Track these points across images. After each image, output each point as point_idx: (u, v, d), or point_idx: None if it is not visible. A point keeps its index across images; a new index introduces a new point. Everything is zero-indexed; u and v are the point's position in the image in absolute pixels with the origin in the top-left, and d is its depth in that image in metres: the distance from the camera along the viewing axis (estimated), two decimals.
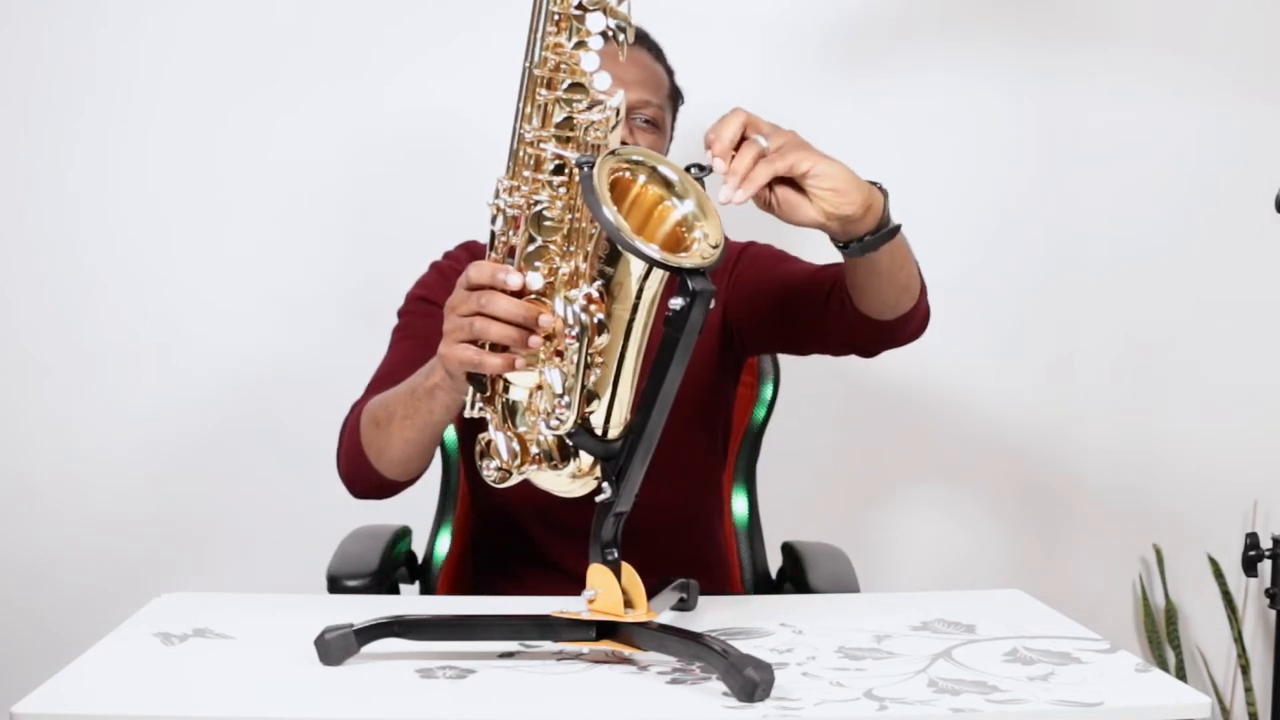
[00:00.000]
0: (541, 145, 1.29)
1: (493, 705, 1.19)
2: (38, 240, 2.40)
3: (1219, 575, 2.51)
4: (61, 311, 2.40)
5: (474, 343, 1.30)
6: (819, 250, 2.48)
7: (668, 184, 1.28)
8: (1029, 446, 2.54)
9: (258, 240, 2.42)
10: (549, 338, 1.28)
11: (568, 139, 1.29)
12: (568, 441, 1.30)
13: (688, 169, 1.29)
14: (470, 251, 1.84)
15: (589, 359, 1.27)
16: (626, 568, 1.30)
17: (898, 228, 1.43)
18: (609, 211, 1.20)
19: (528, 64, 1.30)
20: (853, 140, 2.46)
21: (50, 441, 2.41)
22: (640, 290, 1.26)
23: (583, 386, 1.27)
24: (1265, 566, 1.94)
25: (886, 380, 2.50)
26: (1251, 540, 1.94)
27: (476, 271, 1.30)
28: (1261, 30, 2.51)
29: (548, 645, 1.34)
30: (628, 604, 1.29)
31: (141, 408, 2.41)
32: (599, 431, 1.29)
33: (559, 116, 1.29)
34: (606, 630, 1.29)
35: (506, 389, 1.32)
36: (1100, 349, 2.54)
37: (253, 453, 2.42)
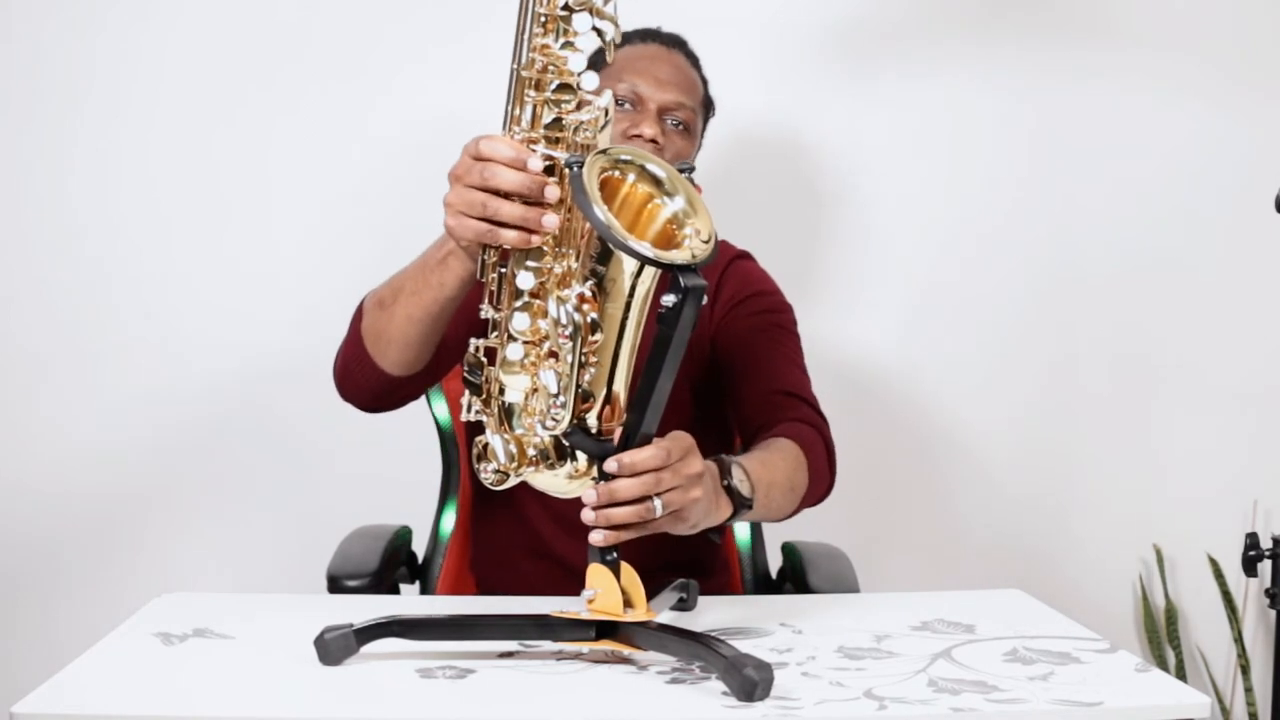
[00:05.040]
0: (531, 147, 1.30)
1: (493, 705, 1.19)
2: (38, 240, 2.40)
3: (1219, 575, 2.51)
4: (61, 311, 2.40)
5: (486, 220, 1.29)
6: (817, 262, 2.49)
7: (657, 182, 1.29)
8: (1029, 446, 2.53)
9: (258, 240, 2.42)
10: (543, 340, 1.29)
11: (557, 140, 1.30)
12: (564, 442, 1.30)
13: (678, 168, 1.30)
14: None
15: (583, 358, 1.27)
16: (626, 568, 1.30)
17: (736, 514, 1.40)
18: (600, 210, 1.21)
19: (515, 66, 1.30)
20: (851, 140, 2.48)
21: (50, 441, 2.41)
22: (633, 288, 1.26)
23: (577, 386, 1.27)
24: (1265, 566, 1.94)
25: (887, 380, 2.50)
26: (1251, 540, 1.94)
27: (489, 147, 1.28)
28: (1261, 30, 2.51)
29: (547, 645, 1.34)
30: (627, 604, 1.29)
31: (141, 407, 2.41)
32: (594, 430, 1.29)
33: (548, 118, 1.30)
34: (606, 630, 1.29)
35: (502, 391, 1.32)
36: (1101, 349, 2.54)
37: (253, 453, 2.42)
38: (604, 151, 1.27)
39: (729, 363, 1.74)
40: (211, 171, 2.40)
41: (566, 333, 1.26)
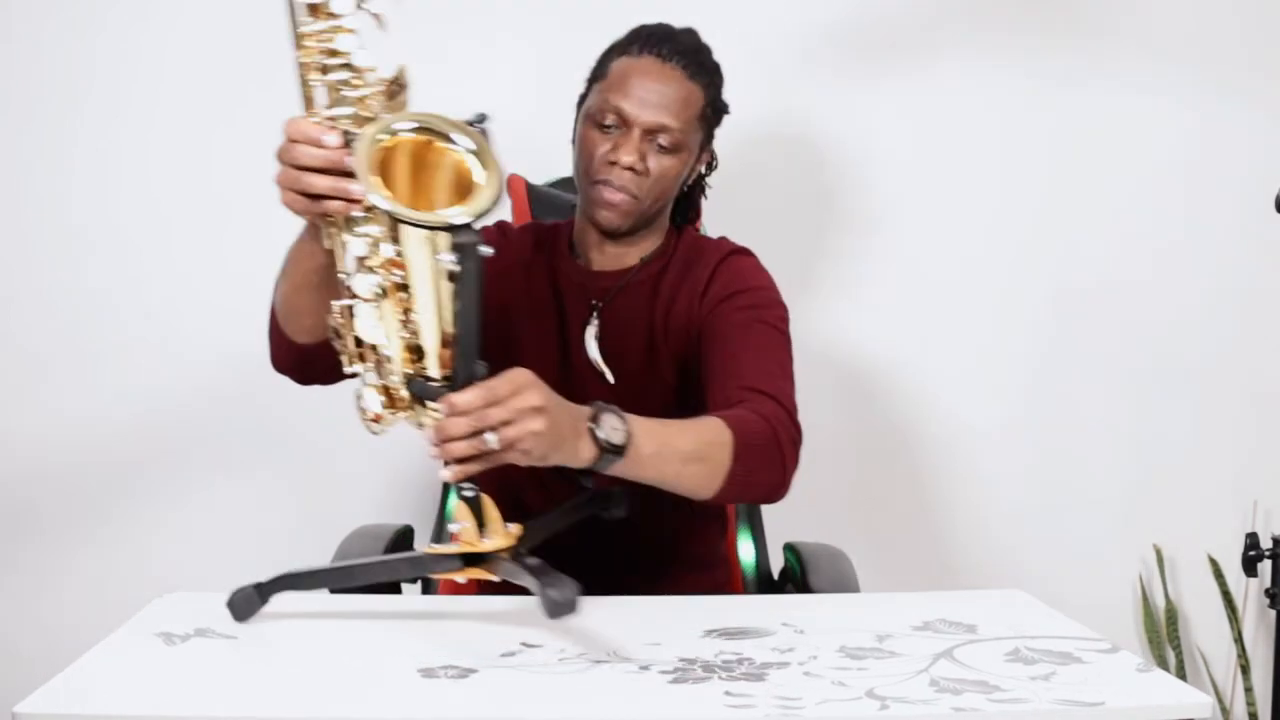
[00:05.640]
0: (332, 123, 1.37)
1: (494, 705, 1.19)
2: (38, 240, 2.40)
3: (1219, 575, 2.51)
4: (62, 311, 2.40)
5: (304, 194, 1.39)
6: (821, 237, 2.49)
7: (448, 139, 1.36)
8: (1029, 446, 2.54)
9: (258, 240, 2.40)
10: (381, 298, 1.37)
11: (356, 118, 1.37)
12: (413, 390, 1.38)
13: (469, 122, 1.37)
14: (501, 230, 1.86)
15: (401, 315, 1.35)
16: (486, 499, 1.39)
17: (605, 457, 1.43)
18: (362, 186, 1.31)
19: (297, 56, 1.39)
20: (853, 140, 2.48)
21: (51, 441, 2.41)
22: (431, 248, 1.32)
23: (403, 342, 1.36)
24: (1265, 566, 1.94)
25: (887, 380, 2.50)
26: (1252, 540, 1.94)
27: (292, 127, 1.39)
28: (1264, 30, 2.51)
29: (549, 645, 1.34)
30: (488, 534, 1.40)
31: (142, 407, 2.41)
32: (439, 377, 1.36)
33: (337, 96, 1.38)
34: (471, 560, 1.39)
35: (374, 347, 1.40)
36: (1101, 349, 2.54)
37: (254, 453, 2.42)
38: (384, 121, 1.36)
39: (707, 357, 1.73)
40: (212, 172, 2.40)
41: (378, 294, 1.36)
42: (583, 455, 1.39)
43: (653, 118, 1.69)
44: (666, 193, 1.75)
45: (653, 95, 1.70)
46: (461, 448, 1.32)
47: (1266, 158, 2.48)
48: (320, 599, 1.64)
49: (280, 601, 1.54)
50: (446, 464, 1.34)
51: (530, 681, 1.24)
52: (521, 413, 1.33)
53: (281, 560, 2.35)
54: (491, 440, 1.32)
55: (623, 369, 1.74)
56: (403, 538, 1.92)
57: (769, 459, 1.58)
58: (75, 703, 1.17)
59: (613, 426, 1.42)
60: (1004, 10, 2.47)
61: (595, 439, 1.40)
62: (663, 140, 1.70)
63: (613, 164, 1.69)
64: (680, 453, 1.49)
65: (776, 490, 1.63)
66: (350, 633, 1.43)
